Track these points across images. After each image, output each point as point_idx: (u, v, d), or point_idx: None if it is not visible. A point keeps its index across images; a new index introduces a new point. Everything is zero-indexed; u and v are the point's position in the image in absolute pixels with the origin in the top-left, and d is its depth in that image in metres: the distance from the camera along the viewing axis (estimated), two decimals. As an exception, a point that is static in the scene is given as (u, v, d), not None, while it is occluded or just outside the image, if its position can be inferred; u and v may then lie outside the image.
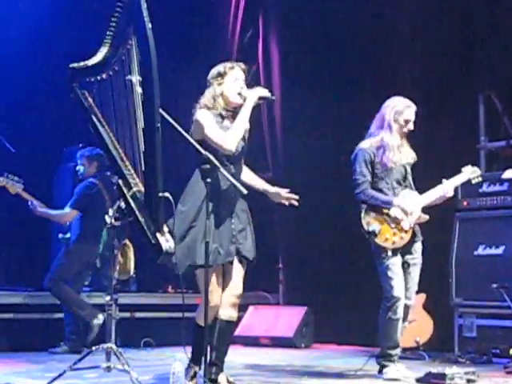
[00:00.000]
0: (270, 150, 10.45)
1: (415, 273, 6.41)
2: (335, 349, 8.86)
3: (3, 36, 10.05)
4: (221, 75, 5.35)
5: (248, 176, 5.56)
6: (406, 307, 6.37)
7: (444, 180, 6.42)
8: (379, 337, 6.37)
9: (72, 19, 10.07)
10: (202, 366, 5.11)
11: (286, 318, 9.43)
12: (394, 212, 6.23)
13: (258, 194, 5.58)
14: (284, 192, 5.55)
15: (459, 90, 8.71)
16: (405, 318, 6.41)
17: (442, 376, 5.95)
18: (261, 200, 5.76)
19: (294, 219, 10.02)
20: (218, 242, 5.11)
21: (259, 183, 5.61)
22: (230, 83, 5.32)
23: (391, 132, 6.33)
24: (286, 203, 5.58)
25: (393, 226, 6.25)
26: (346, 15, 9.67)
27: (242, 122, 5.25)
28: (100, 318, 7.62)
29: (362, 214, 6.29)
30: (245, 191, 5.14)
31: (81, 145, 8.97)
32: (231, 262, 5.27)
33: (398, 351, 6.32)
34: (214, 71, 5.40)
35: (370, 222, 6.26)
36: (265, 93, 5.34)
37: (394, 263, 6.24)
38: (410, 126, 6.38)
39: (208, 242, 4.90)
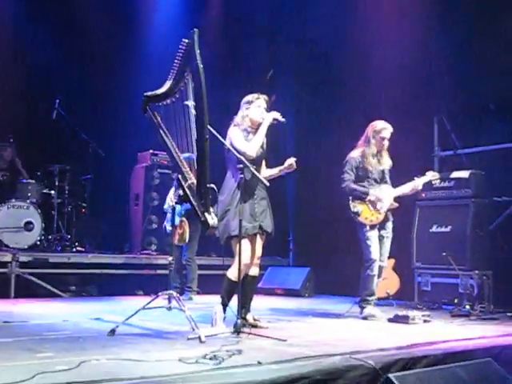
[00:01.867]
0: (283, 154, 10.42)
1: (388, 243, 6.51)
2: (330, 298, 8.85)
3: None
4: (249, 102, 5.41)
5: (268, 171, 5.56)
6: (381, 267, 6.46)
7: (415, 178, 6.57)
8: (360, 287, 6.45)
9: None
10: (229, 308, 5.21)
11: (294, 276, 9.42)
12: (371, 198, 6.35)
13: (276, 185, 5.59)
14: (289, 161, 5.48)
15: (420, 113, 8.74)
16: (379, 275, 6.48)
17: (406, 317, 5.99)
18: (277, 191, 5.76)
19: (301, 204, 10.03)
20: (246, 220, 5.15)
21: (275, 171, 5.58)
22: (255, 109, 5.38)
23: (369, 145, 6.43)
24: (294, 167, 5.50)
25: (371, 208, 6.38)
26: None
27: (260, 136, 5.33)
28: None
29: (350, 201, 6.42)
30: (267, 183, 5.20)
31: (151, 151, 9.02)
32: (256, 234, 5.30)
33: (373, 298, 6.40)
34: (245, 98, 5.46)
35: (355, 206, 6.39)
36: (277, 116, 5.38)
37: (372, 235, 6.37)
38: (385, 143, 6.46)
39: (241, 219, 4.94)
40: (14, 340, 4.49)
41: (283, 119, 5.40)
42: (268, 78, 10.52)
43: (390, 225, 6.53)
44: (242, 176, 5.01)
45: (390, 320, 6.10)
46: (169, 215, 7.90)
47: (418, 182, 6.57)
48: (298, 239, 10.44)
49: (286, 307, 7.49)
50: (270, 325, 5.57)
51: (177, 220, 6.71)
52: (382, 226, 6.47)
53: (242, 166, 5.03)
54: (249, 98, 5.47)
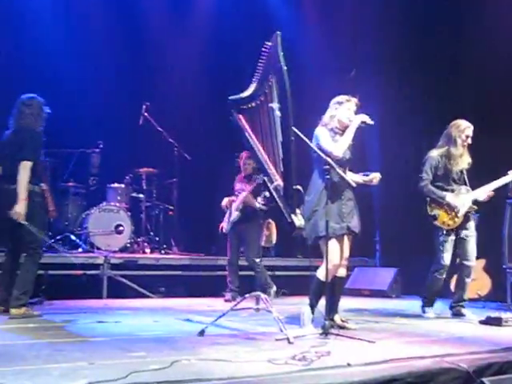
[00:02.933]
0: (369, 154, 10.30)
1: (472, 242, 6.42)
2: (418, 298, 8.67)
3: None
4: (339, 103, 5.37)
5: (351, 175, 5.49)
6: (468, 267, 6.40)
7: (494, 181, 6.47)
8: (426, 288, 6.50)
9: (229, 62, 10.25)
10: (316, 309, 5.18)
11: (381, 276, 9.32)
12: (449, 202, 6.31)
13: (362, 186, 5.54)
14: (374, 175, 5.48)
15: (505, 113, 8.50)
16: (468, 275, 6.41)
17: (499, 319, 5.81)
18: (363, 191, 5.70)
19: (388, 205, 9.89)
20: (334, 221, 5.12)
21: (358, 179, 5.52)
22: (344, 110, 5.34)
23: (456, 146, 6.36)
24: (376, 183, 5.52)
25: (449, 212, 6.33)
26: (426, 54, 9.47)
27: (348, 137, 5.27)
28: None
29: (428, 203, 6.45)
30: (354, 184, 5.16)
31: (236, 154, 9.09)
32: (343, 235, 5.27)
33: (435, 298, 6.50)
34: (336, 99, 5.43)
35: (432, 209, 6.39)
36: (366, 118, 5.33)
37: (447, 240, 6.36)
38: (469, 141, 6.40)
39: (328, 220, 4.92)
40: (109, 339, 4.63)
41: (372, 122, 5.35)
42: (351, 77, 10.43)
43: (471, 224, 6.46)
44: (328, 177, 4.99)
45: (481, 322, 5.93)
46: (227, 214, 7.97)
47: (499, 183, 6.46)
48: (385, 239, 10.31)
49: (373, 308, 7.41)
50: (358, 326, 5.53)
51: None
52: (462, 227, 6.41)
53: (328, 167, 5.00)
54: (339, 98, 5.43)
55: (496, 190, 6.49)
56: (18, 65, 9.00)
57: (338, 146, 5.23)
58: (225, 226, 7.96)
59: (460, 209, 6.31)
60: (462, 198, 6.36)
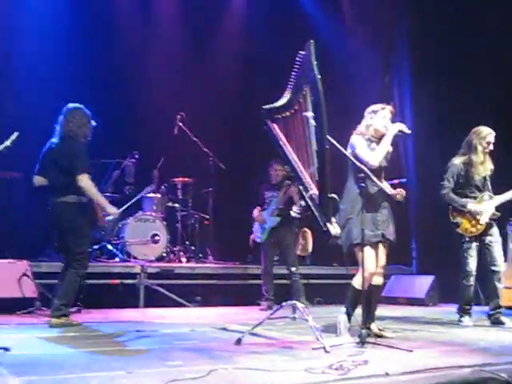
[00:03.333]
0: (404, 161, 10.23)
1: (497, 247, 6.44)
2: (456, 306, 8.58)
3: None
4: (375, 112, 5.36)
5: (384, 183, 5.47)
6: (497, 272, 6.41)
7: None
8: (459, 297, 6.49)
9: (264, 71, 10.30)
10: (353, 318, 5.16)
11: (418, 284, 9.22)
12: (470, 210, 6.33)
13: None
14: (399, 191, 5.36)
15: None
16: (498, 280, 6.42)
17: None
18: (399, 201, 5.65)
19: (423, 213, 9.80)
20: (368, 228, 5.10)
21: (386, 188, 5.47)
22: (380, 119, 5.33)
23: (477, 153, 6.37)
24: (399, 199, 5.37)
25: (471, 219, 6.35)
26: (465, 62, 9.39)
27: (385, 146, 5.25)
28: None
29: (450, 210, 6.48)
30: (389, 192, 5.13)
31: (271, 162, 9.09)
32: (378, 242, 5.24)
33: (470, 307, 6.43)
34: (370, 108, 5.42)
35: (454, 216, 6.43)
36: (403, 127, 5.31)
37: (471, 247, 6.38)
38: (491, 147, 6.40)
39: (363, 228, 4.91)
40: (146, 348, 4.68)
41: (408, 131, 5.34)
42: (384, 83, 10.40)
43: (495, 230, 6.47)
44: (363, 185, 4.97)
45: (521, 330, 5.86)
46: (256, 225, 7.97)
47: None
48: (421, 247, 10.20)
49: (410, 316, 7.34)
50: (395, 335, 5.49)
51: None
52: (486, 233, 6.41)
53: (362, 175, 4.99)
54: (374, 107, 5.43)
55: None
56: (56, 74, 9.13)
57: (375, 156, 5.22)
58: (258, 234, 7.95)
59: (482, 216, 6.32)
60: (485, 205, 6.38)
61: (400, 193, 5.32)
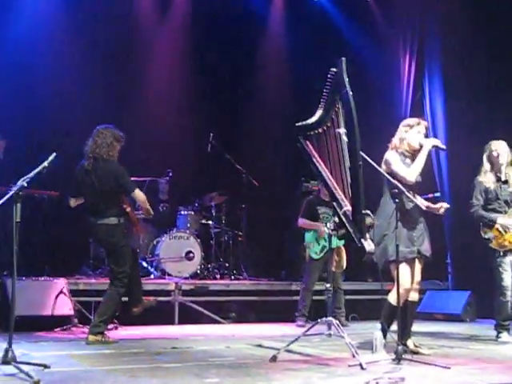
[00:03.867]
0: (437, 175, 10.15)
1: None
2: (494, 322, 8.47)
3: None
4: (410, 126, 5.37)
5: (418, 199, 5.44)
6: None
7: None
8: (496, 313, 6.43)
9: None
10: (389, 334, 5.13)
11: (454, 300, 9.11)
12: (498, 226, 6.31)
13: (430, 213, 5.49)
14: (442, 204, 5.40)
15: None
16: None
17: None
18: (433, 215, 5.62)
19: (458, 228, 9.70)
20: (404, 245, 5.08)
21: (424, 203, 5.45)
22: (415, 134, 5.34)
23: (492, 166, 6.45)
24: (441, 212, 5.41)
25: (503, 234, 6.32)
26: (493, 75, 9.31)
27: (421, 162, 5.25)
28: None
29: (481, 226, 6.46)
30: (424, 207, 5.12)
31: (303, 178, 9.14)
32: (414, 259, 5.22)
33: (508, 323, 6.35)
34: (406, 121, 5.45)
35: (486, 232, 6.40)
36: (438, 143, 5.34)
37: (504, 262, 6.34)
38: (505, 158, 6.41)
39: (398, 244, 4.89)
40: (183, 365, 4.71)
41: (443, 146, 5.36)
42: (417, 98, 10.37)
43: None
44: (397, 201, 4.97)
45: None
46: (312, 241, 7.90)
47: None
48: (457, 262, 10.07)
49: (447, 332, 7.27)
50: (432, 351, 5.44)
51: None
52: None
53: (397, 191, 4.98)
54: (409, 121, 5.45)
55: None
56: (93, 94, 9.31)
57: (412, 172, 5.22)
58: (317, 251, 7.85)
59: None
60: None
61: (442, 206, 5.32)
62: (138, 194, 6.05)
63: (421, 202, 5.36)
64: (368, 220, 4.70)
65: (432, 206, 5.42)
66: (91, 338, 5.80)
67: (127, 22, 10.05)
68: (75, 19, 9.52)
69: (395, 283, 5.00)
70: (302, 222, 7.96)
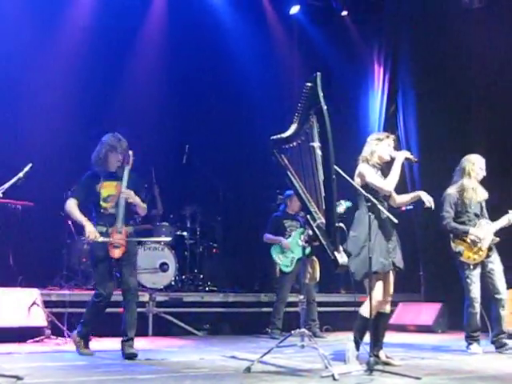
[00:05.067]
0: (410, 188, 10.26)
1: (499, 274, 6.52)
2: (463, 334, 8.57)
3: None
4: (379, 139, 5.48)
5: (399, 197, 5.57)
6: (500, 300, 6.46)
7: (510, 211, 6.57)
8: (465, 324, 6.52)
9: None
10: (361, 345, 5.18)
11: (426, 311, 9.24)
12: (471, 237, 6.41)
13: (404, 219, 5.58)
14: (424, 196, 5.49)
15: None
16: (502, 307, 6.47)
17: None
18: (405, 224, 5.72)
19: (430, 240, 9.81)
20: (383, 256, 5.15)
21: (407, 197, 5.62)
22: (385, 146, 5.42)
23: (470, 178, 6.54)
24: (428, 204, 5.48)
25: (473, 247, 6.44)
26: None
27: (397, 173, 5.35)
28: None
29: (451, 239, 6.57)
30: (396, 221, 5.17)
31: (278, 191, 9.18)
32: (389, 271, 5.28)
33: (477, 334, 6.44)
34: (374, 135, 5.58)
35: (456, 245, 6.52)
36: (409, 155, 5.44)
37: (474, 274, 6.45)
38: (484, 173, 6.59)
39: (371, 257, 4.95)
40: (157, 377, 4.71)
41: (415, 159, 5.53)
42: (390, 113, 10.52)
43: (495, 256, 6.56)
44: (373, 214, 5.04)
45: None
46: (280, 256, 7.92)
47: None
48: (429, 274, 10.20)
49: (418, 344, 7.35)
50: (403, 362, 5.50)
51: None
52: (487, 260, 6.50)
53: (370, 204, 5.06)
54: (379, 135, 5.59)
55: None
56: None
57: (389, 182, 5.33)
58: (287, 264, 7.88)
59: (483, 241, 6.42)
60: (485, 231, 6.48)
61: (429, 200, 5.42)
62: (67, 202, 5.95)
63: (401, 200, 5.53)
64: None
65: (413, 194, 5.56)
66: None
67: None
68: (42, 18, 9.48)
69: (368, 295, 5.06)
70: (267, 237, 8.10)
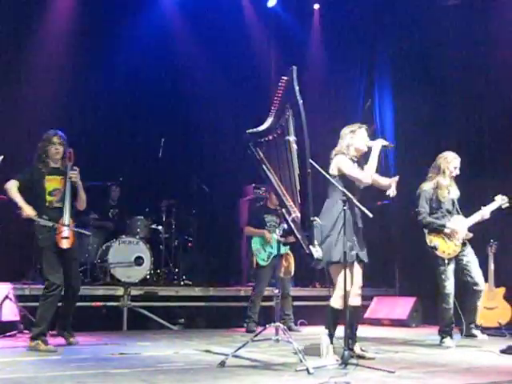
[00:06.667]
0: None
1: (474, 267, 6.67)
2: (437, 328, 8.64)
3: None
4: (353, 132, 5.47)
5: (377, 178, 5.55)
6: (479, 292, 6.64)
7: (482, 207, 6.71)
8: (439, 319, 6.62)
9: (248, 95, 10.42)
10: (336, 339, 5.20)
11: (401, 305, 9.29)
12: (447, 230, 6.51)
13: (380, 213, 5.60)
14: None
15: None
16: (479, 299, 6.66)
17: (520, 348, 5.80)
18: (381, 219, 5.74)
19: (405, 235, 9.86)
20: (345, 248, 5.13)
21: (386, 181, 5.59)
22: (360, 138, 5.43)
23: (444, 176, 6.64)
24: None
25: (448, 241, 6.54)
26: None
27: (374, 163, 5.38)
28: None
29: (426, 234, 6.65)
30: (370, 215, 5.15)
31: (253, 184, 9.18)
32: (353, 262, 5.24)
33: (451, 328, 6.55)
34: (348, 128, 5.53)
35: (432, 240, 6.59)
36: (385, 142, 5.47)
37: (448, 269, 6.53)
38: (457, 171, 6.69)
39: (341, 246, 5.01)
40: (130, 371, 4.69)
41: (392, 145, 5.59)
42: (366, 107, 10.54)
43: (469, 250, 6.69)
44: (344, 206, 5.04)
45: (502, 351, 5.89)
46: (259, 248, 7.91)
47: (486, 211, 6.69)
48: (404, 268, 10.26)
49: (393, 337, 7.39)
50: (378, 356, 5.53)
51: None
52: (462, 254, 6.62)
53: (344, 197, 5.07)
54: (352, 127, 5.53)
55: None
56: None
57: (367, 173, 5.34)
58: (264, 258, 7.85)
59: (458, 236, 6.53)
60: (459, 226, 6.59)
61: (393, 190, 5.47)
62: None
63: (377, 180, 5.51)
64: None
65: (391, 180, 5.55)
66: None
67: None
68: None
69: (336, 286, 5.09)
70: (248, 229, 8.06)
